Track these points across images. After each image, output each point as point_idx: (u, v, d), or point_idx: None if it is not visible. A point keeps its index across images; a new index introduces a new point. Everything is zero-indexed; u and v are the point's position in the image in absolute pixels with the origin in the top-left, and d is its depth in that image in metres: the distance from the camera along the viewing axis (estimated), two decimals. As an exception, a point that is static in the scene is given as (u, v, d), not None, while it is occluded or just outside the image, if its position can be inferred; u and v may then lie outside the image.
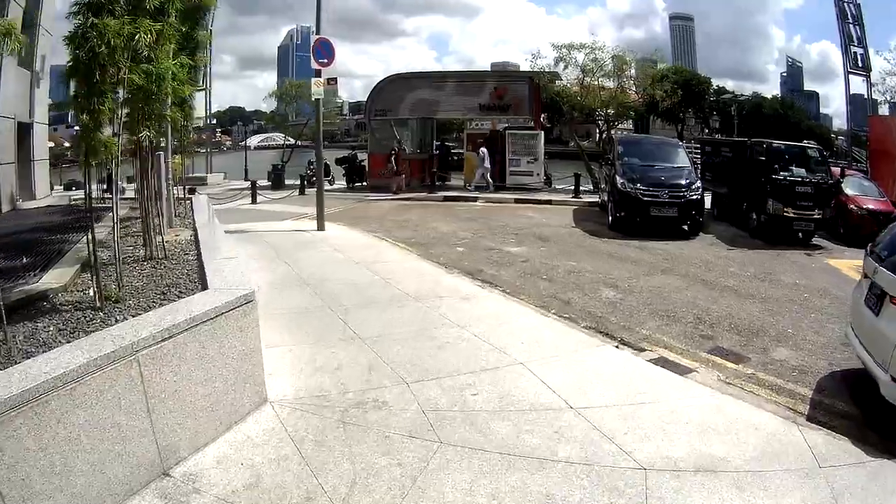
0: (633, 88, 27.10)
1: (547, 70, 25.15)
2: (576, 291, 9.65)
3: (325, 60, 13.87)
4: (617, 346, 6.91)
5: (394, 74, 27.07)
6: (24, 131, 15.30)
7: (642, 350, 6.87)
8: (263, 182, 29.12)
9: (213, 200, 21.62)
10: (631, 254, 12.82)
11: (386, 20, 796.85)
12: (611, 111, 26.51)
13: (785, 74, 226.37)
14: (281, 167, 29.67)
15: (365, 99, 27.31)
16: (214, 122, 75.10)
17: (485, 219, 17.50)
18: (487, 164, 23.47)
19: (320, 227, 14.33)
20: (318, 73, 13.91)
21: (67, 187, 33.54)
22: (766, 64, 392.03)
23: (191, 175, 34.38)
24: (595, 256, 12.52)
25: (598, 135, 29.54)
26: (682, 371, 6.19)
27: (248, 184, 30.75)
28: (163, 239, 7.74)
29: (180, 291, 5.58)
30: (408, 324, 7.27)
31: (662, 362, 6.42)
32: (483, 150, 23.50)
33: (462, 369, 5.89)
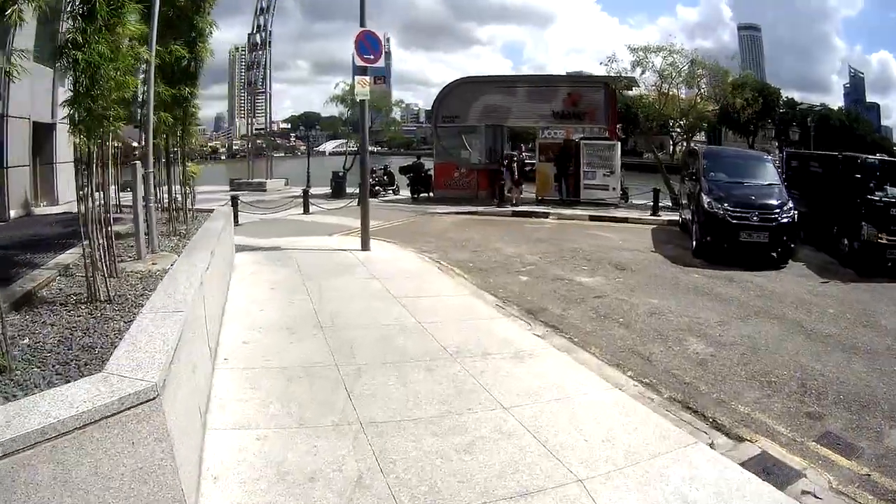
0: (713, 96, 25.20)
1: (623, 75, 23.43)
2: (658, 342, 7.72)
3: (371, 56, 12.29)
4: (710, 445, 4.98)
5: (462, 78, 25.53)
6: (45, 132, 14.36)
7: (740, 440, 5.22)
8: (325, 190, 28.04)
9: (263, 209, 20.68)
10: (719, 288, 10.72)
11: (460, 28, 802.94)
12: (689, 120, 24.27)
13: (848, 86, 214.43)
14: (342, 175, 28.45)
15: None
16: (288, 126, 76.97)
17: (555, 239, 15.53)
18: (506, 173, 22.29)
19: (364, 247, 12.72)
20: (362, 71, 12.34)
21: (123, 189, 33.55)
22: (829, 74, 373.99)
23: (250, 181, 34.06)
24: (679, 292, 10.46)
25: (671, 146, 27.30)
26: (789, 477, 4.63)
27: (311, 191, 29.93)
28: (121, 272, 6.14)
29: (85, 363, 3.89)
30: (434, 400, 5.41)
31: (764, 467, 4.73)
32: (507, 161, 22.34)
33: (493, 492, 4.01)
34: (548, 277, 11.21)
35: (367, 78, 12.33)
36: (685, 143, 26.76)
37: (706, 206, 13.27)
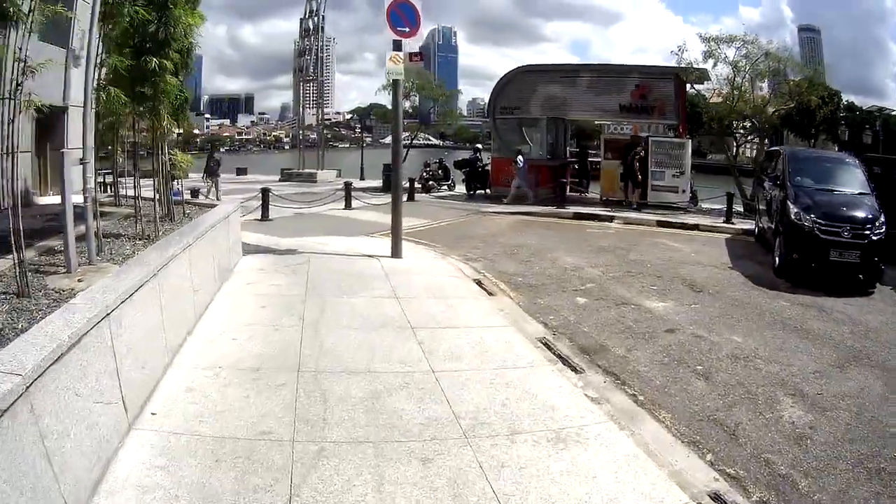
0: (788, 92, 22.83)
1: (694, 66, 21.45)
2: (745, 405, 5.77)
3: (407, 29, 10.51)
4: None
5: (522, 66, 23.77)
6: (55, 116, 13.15)
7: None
8: (378, 183, 26.89)
9: (302, 203, 19.23)
10: (810, 321, 8.58)
11: (527, 24, 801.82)
12: (765, 117, 22.05)
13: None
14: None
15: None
16: (354, 117, 76.26)
17: (620, 249, 13.39)
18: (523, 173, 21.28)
19: (395, 253, 10.98)
20: (396, 46, 10.51)
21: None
22: (883, 78, 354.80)
23: (300, 171, 32.99)
24: (764, 325, 8.33)
25: (734, 148, 25.20)
26: None
27: (362, 184, 28.59)
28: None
29: None
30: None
31: None
32: (520, 157, 21.22)
33: None
34: (610, 299, 9.19)
35: (401, 54, 10.51)
36: (759, 144, 24.27)
37: (793, 216, 11.25)
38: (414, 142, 31.66)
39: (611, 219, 17.82)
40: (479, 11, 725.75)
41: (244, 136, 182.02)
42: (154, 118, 7.79)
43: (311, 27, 31.44)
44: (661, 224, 17.23)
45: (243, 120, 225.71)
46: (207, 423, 4.63)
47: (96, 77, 7.02)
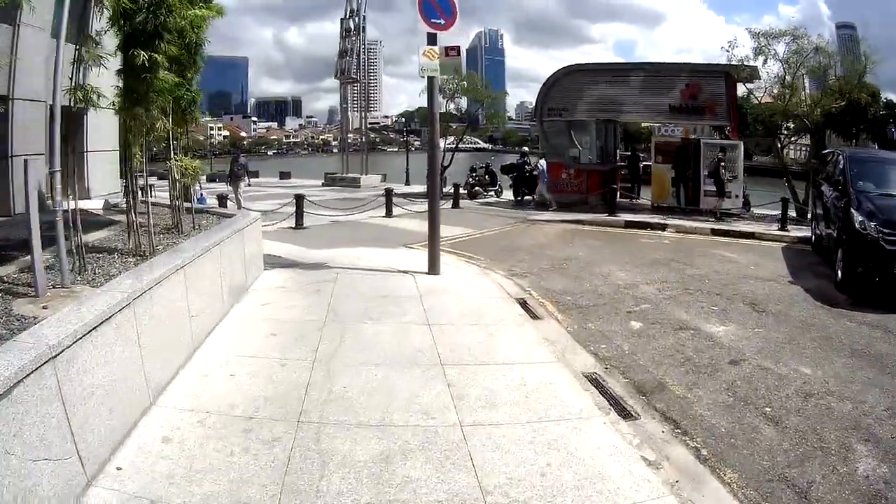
0: (838, 90, 21.08)
1: (745, 63, 20.10)
2: (817, 457, 4.77)
3: (442, 21, 9.63)
4: None
5: (569, 66, 22.72)
6: (75, 118, 12.65)
7: None
8: (422, 188, 25.92)
9: (340, 209, 18.56)
10: (878, 345, 7.46)
11: (572, 25, 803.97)
12: (815, 117, 20.74)
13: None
14: (442, 171, 26.06)
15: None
16: (396, 120, 75.70)
17: (676, 262, 12.20)
18: (545, 177, 21.10)
19: (432, 269, 10.06)
20: (431, 40, 9.62)
21: (211, 179, 32.70)
22: None
23: (343, 175, 32.49)
24: (832, 351, 7.21)
25: (779, 149, 23.85)
26: None
27: (406, 189, 27.85)
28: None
29: None
30: None
31: None
32: (542, 161, 21.20)
33: None
34: (667, 323, 8.10)
35: (436, 48, 9.59)
36: (809, 146, 23.06)
37: (857, 225, 10.02)
38: (460, 145, 30.68)
39: (663, 227, 16.66)
40: (525, 13, 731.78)
41: (292, 139, 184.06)
42: (147, 116, 6.96)
43: (353, 27, 30.92)
44: (715, 232, 16.05)
45: (291, 123, 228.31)
46: (177, 486, 3.82)
47: (81, 74, 6.25)
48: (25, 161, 5.07)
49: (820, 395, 5.86)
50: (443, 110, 30.26)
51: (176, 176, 8.29)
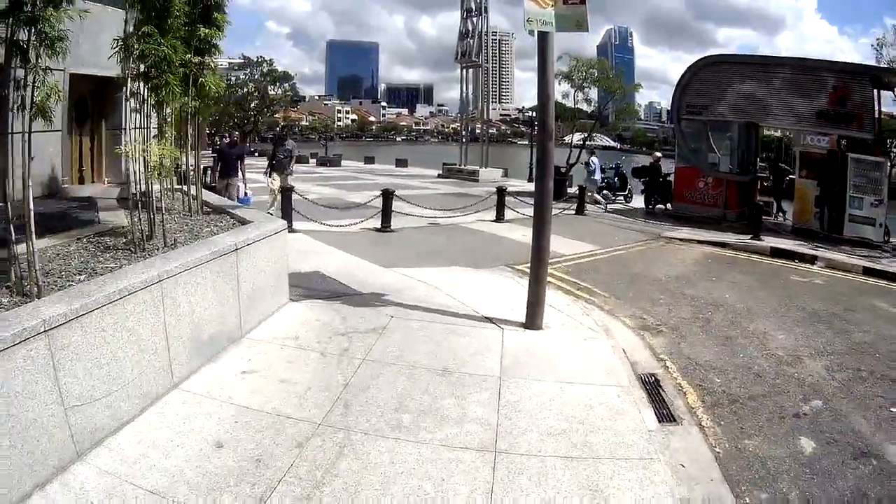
0: None
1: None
2: None
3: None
4: None
5: (710, 56, 19.12)
6: (111, 89, 10.40)
7: None
8: None
9: (444, 208, 15.56)
10: None
11: (699, 28, 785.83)
12: None
13: None
14: (565, 171, 22.68)
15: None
16: (523, 110, 72.00)
17: (837, 316, 8.52)
18: (597, 176, 19.89)
19: (531, 322, 6.74)
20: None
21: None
22: None
23: (461, 168, 29.53)
24: None
25: None
26: None
27: (529, 186, 24.58)
28: None
29: None
30: None
31: None
32: (594, 158, 20.01)
33: None
34: (846, 442, 4.89)
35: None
36: None
37: None
38: (587, 142, 26.91)
39: (812, 260, 12.53)
40: (653, 13, 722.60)
41: (422, 127, 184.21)
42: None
43: (473, 7, 27.86)
44: (869, 272, 11.72)
45: (422, 110, 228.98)
46: None
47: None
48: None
49: None
50: (568, 102, 26.79)
51: (134, 167, 5.49)
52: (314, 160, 41.69)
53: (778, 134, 19.84)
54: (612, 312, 7.98)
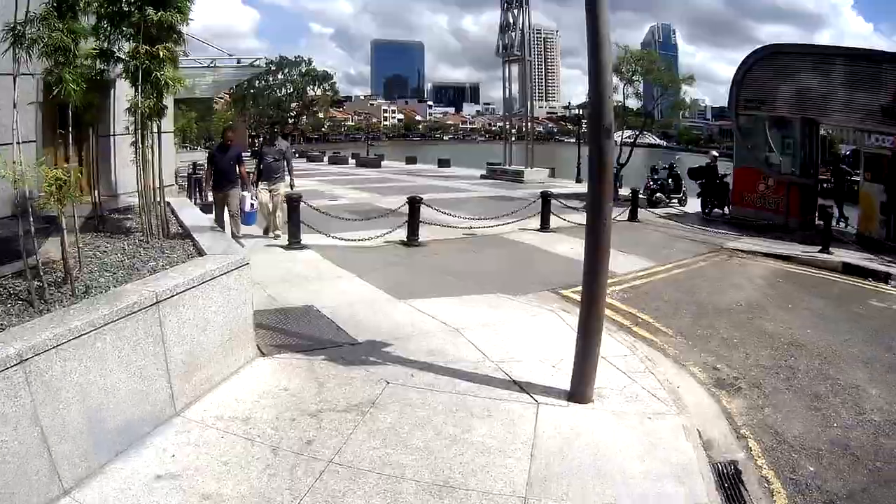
0: None
1: None
2: None
3: None
4: None
5: (768, 45, 17.49)
6: (100, 93, 8.91)
7: None
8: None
9: (485, 214, 13.83)
10: None
11: (741, 25, 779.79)
12: None
13: None
14: (616, 171, 20.67)
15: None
16: (568, 107, 68.96)
17: None
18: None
19: (578, 391, 4.92)
20: None
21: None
22: None
23: (506, 168, 27.78)
24: None
25: None
26: None
27: (577, 187, 22.82)
28: None
29: None
30: None
31: None
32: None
33: None
34: None
35: None
36: None
37: None
38: (638, 140, 24.77)
39: (886, 277, 10.63)
40: (695, 10, 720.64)
41: (469, 126, 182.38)
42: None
43: (514, -1, 26.24)
44: None
45: (468, 109, 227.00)
46: None
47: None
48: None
49: None
50: (617, 96, 24.74)
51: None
52: (353, 160, 40.58)
53: (822, 132, 17.70)
54: (679, 360, 6.28)
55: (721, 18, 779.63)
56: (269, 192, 11.30)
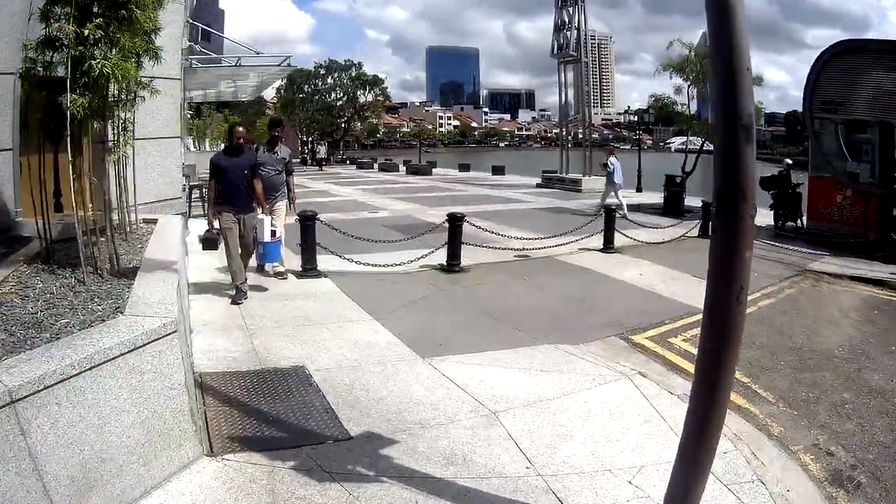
0: None
1: None
2: None
3: None
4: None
5: (843, 41, 15.84)
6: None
7: None
8: (658, 198, 19.48)
9: (534, 232, 12.07)
10: None
11: (788, 28, 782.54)
12: None
13: None
14: (681, 180, 18.71)
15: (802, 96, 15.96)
16: (628, 111, 66.27)
17: None
18: (618, 178, 17.34)
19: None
20: None
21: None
22: None
23: (562, 176, 25.97)
24: None
25: None
26: None
27: (638, 198, 20.90)
28: None
29: None
30: None
31: None
32: (613, 158, 17.45)
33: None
34: None
35: None
36: None
37: None
38: (704, 146, 22.62)
39: None
40: (746, 13, 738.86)
41: (525, 132, 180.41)
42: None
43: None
44: None
45: (524, 115, 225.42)
46: None
47: None
48: None
49: None
50: (681, 98, 22.85)
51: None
52: (404, 168, 39.30)
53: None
54: (785, 443, 4.57)
55: (769, 21, 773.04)
56: (272, 213, 8.48)
